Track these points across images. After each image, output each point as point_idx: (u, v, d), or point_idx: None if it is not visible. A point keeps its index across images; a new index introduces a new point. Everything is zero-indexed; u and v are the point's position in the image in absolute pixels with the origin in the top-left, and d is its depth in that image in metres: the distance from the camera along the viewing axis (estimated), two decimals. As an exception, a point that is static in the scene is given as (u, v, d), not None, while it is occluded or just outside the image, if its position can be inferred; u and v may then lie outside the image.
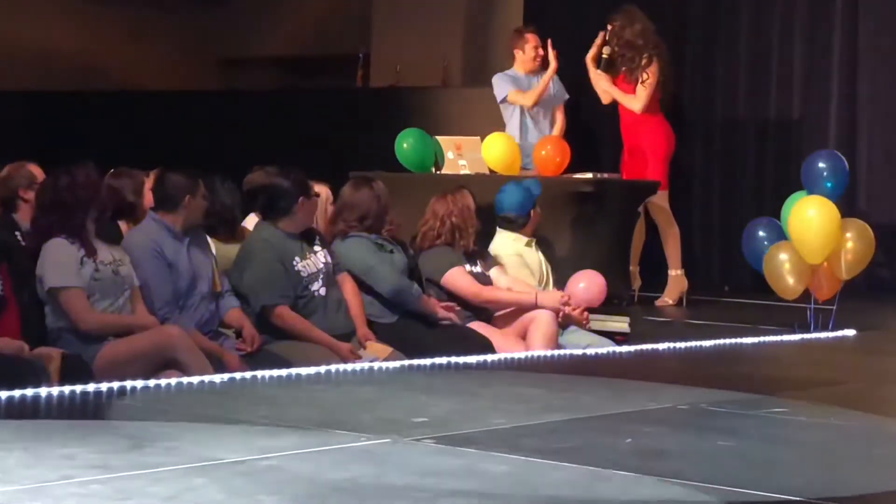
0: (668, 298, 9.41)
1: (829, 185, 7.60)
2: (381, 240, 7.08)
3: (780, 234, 7.92)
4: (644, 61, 9.24)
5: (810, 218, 7.42)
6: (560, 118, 9.52)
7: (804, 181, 7.79)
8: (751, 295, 9.74)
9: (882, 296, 9.74)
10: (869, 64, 10.51)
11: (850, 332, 7.77)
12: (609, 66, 9.41)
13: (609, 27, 9.37)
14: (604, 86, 9.42)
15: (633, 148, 9.46)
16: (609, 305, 8.07)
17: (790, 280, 7.61)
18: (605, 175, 9.00)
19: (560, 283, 7.78)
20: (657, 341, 7.27)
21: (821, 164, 7.73)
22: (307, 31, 13.98)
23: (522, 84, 9.47)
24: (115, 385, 5.29)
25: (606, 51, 9.34)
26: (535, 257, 7.76)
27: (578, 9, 11.14)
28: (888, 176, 10.21)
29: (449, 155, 9.05)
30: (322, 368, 6.01)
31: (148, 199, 6.73)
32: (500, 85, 9.47)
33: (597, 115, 10.12)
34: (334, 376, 5.96)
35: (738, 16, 11.01)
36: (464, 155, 9.02)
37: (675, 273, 9.45)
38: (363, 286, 6.93)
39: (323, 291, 6.71)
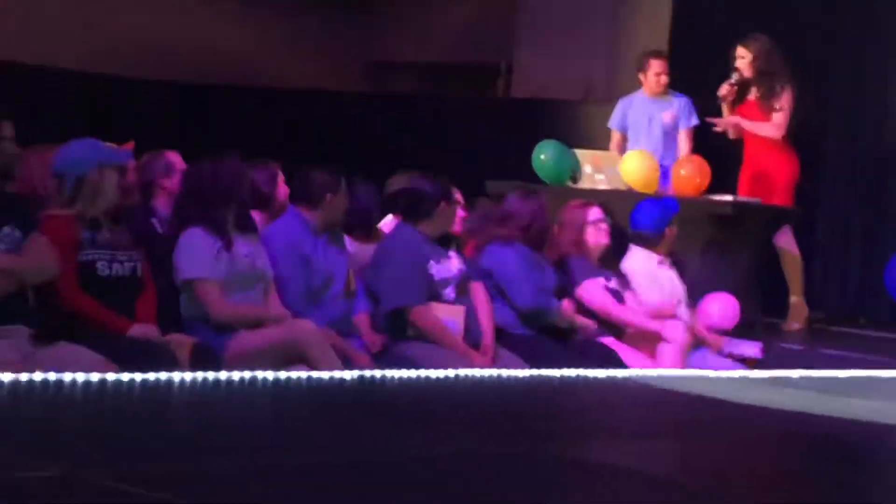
0: (794, 323, 9.26)
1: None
2: (537, 256, 7.08)
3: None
4: (779, 88, 9.12)
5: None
6: (685, 145, 9.42)
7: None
8: (888, 328, 9.57)
9: None
10: None
11: None
12: (739, 94, 9.29)
13: (737, 51, 9.24)
14: (734, 120, 9.29)
15: (759, 174, 9.31)
16: (742, 330, 7.97)
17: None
18: (745, 199, 8.87)
19: (692, 304, 7.71)
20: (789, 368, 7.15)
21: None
22: (453, 39, 14.00)
23: (639, 109, 9.43)
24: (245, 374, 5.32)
25: (735, 78, 9.20)
26: (668, 276, 7.69)
27: (726, 31, 11.00)
28: None
29: (586, 169, 9.00)
30: (451, 372, 5.99)
31: (282, 191, 6.79)
32: (614, 114, 9.53)
33: (726, 140, 9.94)
34: (462, 381, 5.95)
35: (888, 40, 10.81)
36: (602, 170, 8.97)
37: (796, 299, 9.30)
38: (501, 295, 6.92)
39: (453, 297, 6.70)
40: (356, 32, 14.53)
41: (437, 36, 14.16)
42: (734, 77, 9.21)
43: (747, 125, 9.24)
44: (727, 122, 9.25)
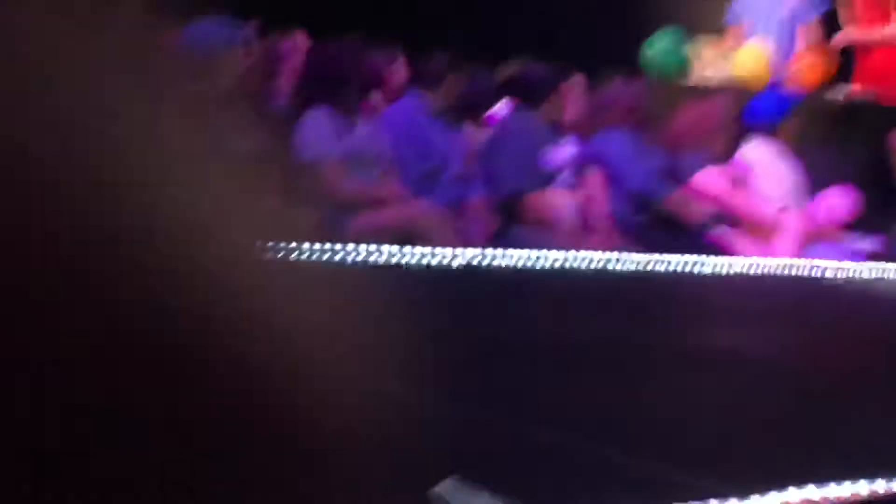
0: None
1: None
2: (645, 138, 7.06)
3: None
4: None
5: None
6: (805, 38, 9.23)
7: None
8: None
9: None
10: None
11: None
12: None
13: None
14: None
15: (878, 68, 9.11)
16: (860, 224, 7.89)
17: None
18: (862, 92, 8.74)
19: (811, 197, 7.66)
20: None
21: None
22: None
23: (762, 2, 9.28)
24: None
25: None
26: (786, 168, 7.63)
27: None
28: None
29: (700, 61, 8.88)
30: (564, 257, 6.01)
31: (401, 73, 6.80)
32: (731, 5, 9.37)
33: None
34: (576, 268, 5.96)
35: None
36: (716, 62, 8.86)
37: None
38: (613, 181, 6.92)
39: (569, 183, 6.71)
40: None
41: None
42: None
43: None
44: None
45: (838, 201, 7.68)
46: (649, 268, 6.25)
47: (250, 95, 5.94)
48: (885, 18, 9.01)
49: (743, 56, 8.80)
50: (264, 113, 6.09)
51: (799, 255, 7.10)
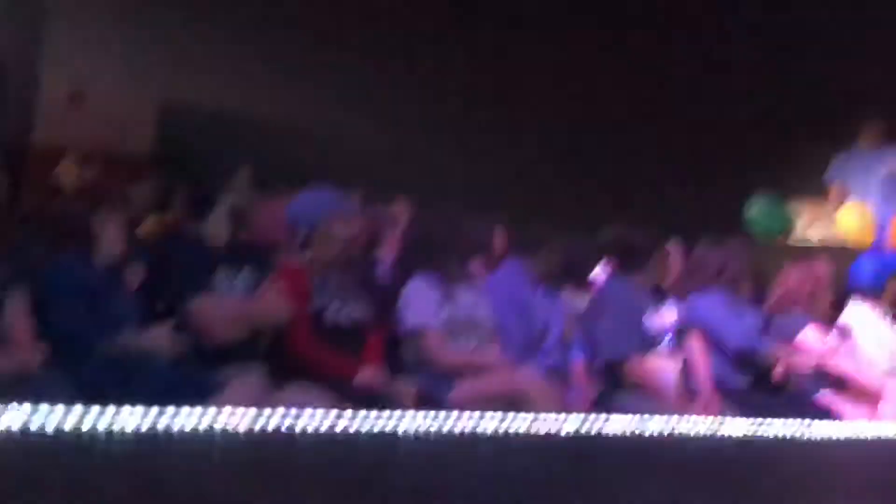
0: None
1: None
2: (736, 298, 7.05)
3: None
4: None
5: None
6: None
7: None
8: None
9: None
10: None
11: None
12: None
13: None
14: None
15: None
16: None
17: None
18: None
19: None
20: None
21: None
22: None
23: (858, 161, 9.31)
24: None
25: None
26: (890, 331, 7.55)
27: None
28: None
29: (802, 222, 8.90)
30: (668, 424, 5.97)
31: (501, 241, 6.88)
32: (832, 166, 9.39)
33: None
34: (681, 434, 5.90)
35: None
36: (817, 223, 8.87)
37: None
38: (714, 345, 6.89)
39: (670, 348, 6.70)
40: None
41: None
42: None
43: None
44: None
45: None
46: (755, 433, 6.18)
47: (356, 263, 6.03)
48: None
49: (845, 216, 8.80)
50: (369, 281, 6.19)
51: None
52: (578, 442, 5.49)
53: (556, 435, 5.51)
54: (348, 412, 5.15)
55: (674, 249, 7.41)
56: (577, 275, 7.02)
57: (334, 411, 5.09)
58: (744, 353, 6.89)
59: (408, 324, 6.04)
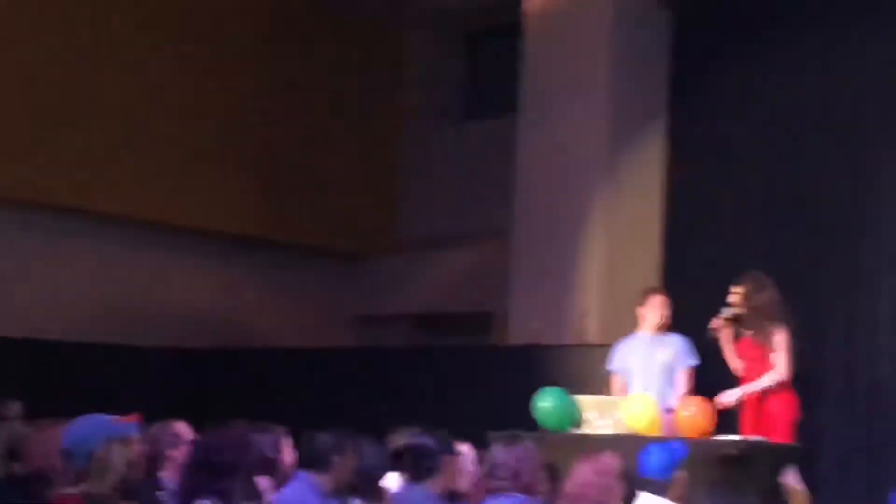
0: (814, 569, 9.06)
1: None
2: (533, 502, 6.99)
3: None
4: (772, 327, 9.13)
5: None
6: (683, 383, 9.43)
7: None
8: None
9: None
10: None
11: None
12: (736, 331, 9.30)
13: (737, 291, 9.28)
14: (737, 364, 9.32)
15: (761, 413, 9.26)
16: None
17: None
18: (751, 438, 8.81)
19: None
20: None
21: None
22: (444, 289, 14.12)
23: (638, 349, 9.47)
24: None
25: (728, 312, 9.23)
26: (681, 523, 7.57)
27: (716, 270, 11.16)
28: None
29: (588, 415, 8.97)
30: None
31: (288, 455, 6.74)
32: (613, 356, 9.60)
33: (721, 379, 9.88)
34: None
35: (877, 277, 10.97)
36: (605, 415, 8.93)
37: (813, 540, 9.14)
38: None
39: (466, 554, 6.61)
40: (343, 287, 14.66)
41: (428, 287, 14.29)
42: (727, 312, 9.24)
43: (752, 387, 9.15)
44: (729, 398, 9.14)
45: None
46: None
47: (136, 490, 5.82)
48: (764, 360, 9.19)
49: (629, 406, 8.87)
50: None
51: None
52: None
53: None
54: None
55: (466, 451, 7.35)
56: (368, 485, 6.91)
57: None
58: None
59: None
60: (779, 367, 9.12)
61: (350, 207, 14.47)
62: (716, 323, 9.19)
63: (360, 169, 14.64)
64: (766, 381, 9.12)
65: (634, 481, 7.59)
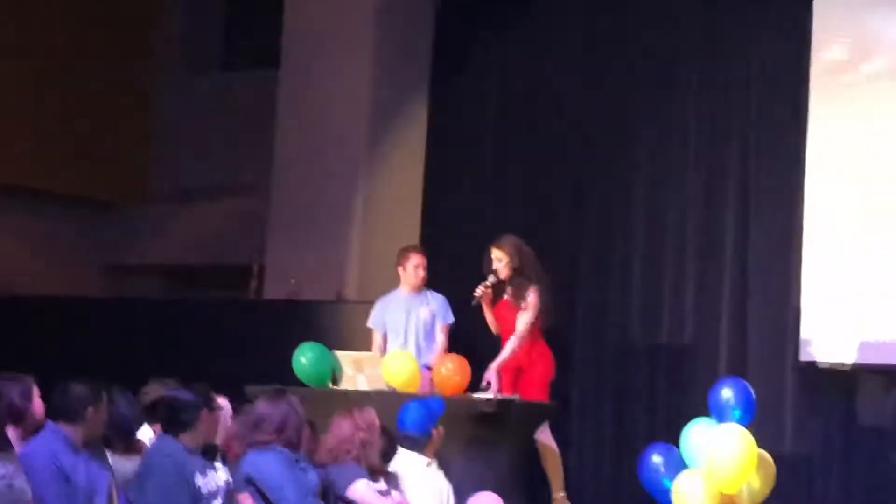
0: (559, 522, 9.25)
1: (737, 413, 7.60)
2: (297, 455, 6.93)
3: (679, 461, 7.86)
4: (529, 286, 9.24)
5: (727, 447, 7.38)
6: (441, 340, 9.51)
7: (712, 409, 7.78)
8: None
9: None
10: (759, 288, 10.73)
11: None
12: (495, 294, 9.38)
13: (492, 253, 9.35)
14: (496, 326, 9.42)
15: (515, 373, 9.38)
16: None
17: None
18: (506, 396, 8.90)
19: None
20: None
21: (730, 393, 7.73)
22: (202, 241, 13.90)
23: (397, 307, 9.50)
24: None
25: (491, 279, 9.30)
26: (437, 479, 7.63)
27: (475, 230, 11.26)
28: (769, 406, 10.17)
29: (347, 371, 8.96)
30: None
31: (38, 406, 6.51)
32: (373, 313, 9.61)
33: (482, 337, 9.98)
34: None
35: (631, 238, 11.22)
36: (363, 371, 8.93)
37: (560, 495, 9.32)
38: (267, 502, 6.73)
39: (222, 511, 6.49)
40: (94, 236, 14.33)
41: (184, 238, 14.04)
42: (490, 279, 9.29)
43: (503, 356, 9.21)
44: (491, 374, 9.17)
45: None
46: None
47: None
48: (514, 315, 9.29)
49: (388, 363, 8.88)
50: None
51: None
52: None
53: None
54: None
55: (226, 405, 7.23)
56: (122, 436, 6.74)
57: None
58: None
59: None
60: (518, 326, 9.20)
61: (106, 157, 14.11)
62: (479, 291, 9.24)
63: (117, 118, 14.28)
64: (512, 345, 9.19)
65: (394, 437, 7.64)
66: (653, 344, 11.06)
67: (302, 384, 8.85)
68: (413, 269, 9.50)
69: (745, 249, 10.82)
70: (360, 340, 9.89)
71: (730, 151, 10.98)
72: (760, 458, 7.57)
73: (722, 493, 7.50)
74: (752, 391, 7.79)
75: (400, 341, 9.47)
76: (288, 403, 6.99)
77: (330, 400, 8.45)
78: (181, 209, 14.13)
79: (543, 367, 9.31)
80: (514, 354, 9.17)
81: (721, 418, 7.64)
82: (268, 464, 6.79)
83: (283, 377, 8.77)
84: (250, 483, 6.77)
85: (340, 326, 11.03)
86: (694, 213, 11.04)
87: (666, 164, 11.19)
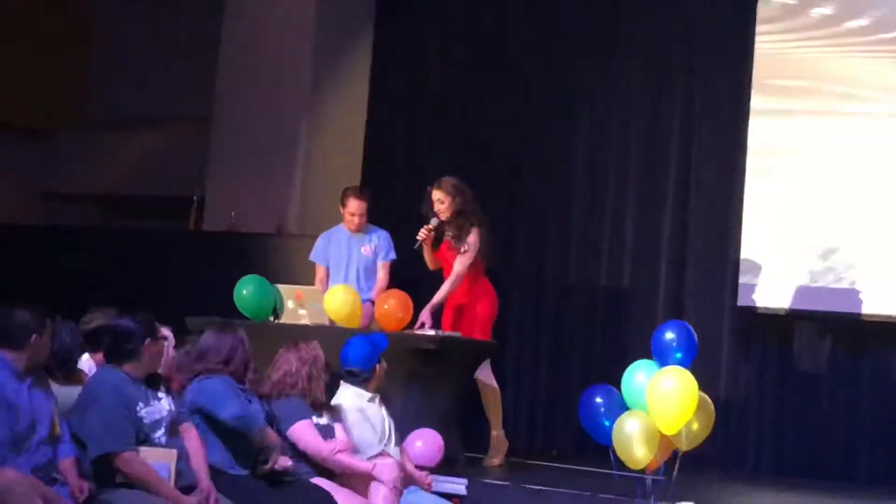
0: (494, 459, 9.30)
1: (678, 355, 7.64)
2: (242, 386, 6.91)
3: (619, 402, 7.91)
4: (469, 227, 9.22)
5: (670, 388, 7.42)
6: (383, 277, 9.49)
7: (654, 351, 7.81)
8: (577, 461, 9.70)
9: (708, 471, 9.82)
10: (697, 233, 10.82)
11: (691, 504, 7.77)
12: (437, 237, 9.35)
13: (433, 195, 9.31)
14: (437, 265, 9.41)
15: (459, 309, 9.39)
16: (445, 466, 8.00)
17: (641, 449, 7.55)
18: (447, 333, 8.91)
19: (400, 441, 7.67)
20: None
21: (672, 335, 7.77)
22: (140, 170, 13.77)
23: (340, 242, 9.47)
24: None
25: (434, 222, 9.27)
26: (379, 413, 7.62)
27: (417, 169, 11.25)
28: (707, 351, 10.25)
29: (289, 304, 8.93)
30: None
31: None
32: (315, 247, 9.58)
33: (425, 275, 9.98)
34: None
35: (572, 182, 11.26)
36: (305, 305, 8.90)
37: (498, 433, 9.37)
38: (211, 430, 6.70)
39: (165, 440, 6.45)
40: (28, 162, 14.17)
41: (122, 167, 13.90)
42: (433, 221, 9.26)
43: (438, 296, 9.20)
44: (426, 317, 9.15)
45: (424, 443, 7.79)
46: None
47: None
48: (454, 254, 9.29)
49: (331, 298, 8.86)
50: None
51: (396, 502, 7.08)
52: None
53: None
54: None
55: (169, 335, 7.18)
56: (64, 364, 6.68)
57: None
58: (241, 417, 6.72)
59: None
60: (456, 267, 9.19)
61: (38, 82, 13.89)
62: (422, 234, 9.20)
63: (51, 43, 14.06)
64: (447, 286, 9.19)
65: (336, 371, 7.63)
66: (591, 286, 11.12)
67: (243, 316, 8.82)
68: (349, 216, 9.44)
69: (687, 195, 10.89)
70: (301, 274, 9.86)
71: (673, 94, 11.02)
72: (701, 401, 7.63)
73: (662, 435, 7.55)
74: (696, 336, 7.84)
75: (342, 276, 9.44)
76: (235, 336, 6.96)
77: (272, 333, 8.43)
78: (119, 137, 13.97)
79: (486, 307, 9.32)
80: (448, 295, 9.17)
81: (663, 361, 7.68)
82: (213, 384, 6.78)
83: (223, 310, 8.73)
84: (195, 412, 6.74)
85: (281, 260, 11.00)
86: (636, 156, 11.09)
87: (608, 107, 11.22)
